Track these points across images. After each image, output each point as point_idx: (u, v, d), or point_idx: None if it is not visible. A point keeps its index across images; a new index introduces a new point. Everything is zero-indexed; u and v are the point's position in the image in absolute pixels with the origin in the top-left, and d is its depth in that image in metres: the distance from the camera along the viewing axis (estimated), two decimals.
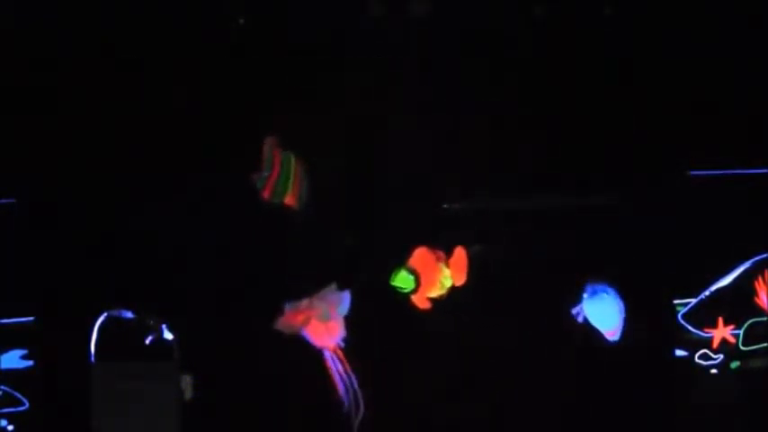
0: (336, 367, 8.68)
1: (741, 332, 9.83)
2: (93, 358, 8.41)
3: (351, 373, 8.67)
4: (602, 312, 9.00)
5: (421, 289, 8.68)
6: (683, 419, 9.39)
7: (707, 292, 9.85)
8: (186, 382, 8.61)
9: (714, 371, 9.78)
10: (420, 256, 8.73)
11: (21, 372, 8.97)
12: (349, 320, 8.68)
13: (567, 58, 9.44)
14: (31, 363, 8.97)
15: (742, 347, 9.82)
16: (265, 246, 9.10)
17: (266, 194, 8.49)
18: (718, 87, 9.52)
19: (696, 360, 9.79)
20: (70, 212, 8.99)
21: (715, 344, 9.81)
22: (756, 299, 9.88)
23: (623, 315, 8.99)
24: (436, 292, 8.78)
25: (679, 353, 9.77)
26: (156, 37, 8.98)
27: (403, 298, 8.70)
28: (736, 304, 9.86)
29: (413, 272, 8.64)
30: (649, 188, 9.59)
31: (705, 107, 9.52)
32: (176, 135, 9.03)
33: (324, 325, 8.59)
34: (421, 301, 8.76)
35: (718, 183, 9.76)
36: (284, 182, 8.60)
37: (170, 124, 9.03)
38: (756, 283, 9.88)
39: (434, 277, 8.75)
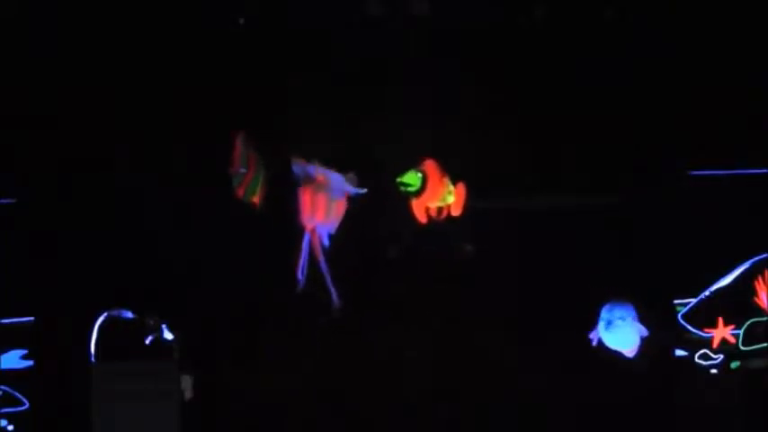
0: (306, 250, 8.72)
1: (741, 332, 9.84)
2: (93, 358, 8.40)
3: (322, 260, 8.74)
4: (621, 338, 9.11)
5: (425, 193, 8.81)
6: (683, 419, 9.39)
7: (707, 292, 9.85)
8: (186, 382, 8.62)
9: (714, 371, 9.79)
10: (431, 164, 8.88)
11: (21, 372, 8.97)
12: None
13: (568, 59, 9.44)
14: (31, 363, 8.97)
15: (742, 347, 9.82)
16: (265, 244, 9.11)
17: (240, 192, 8.59)
18: (718, 87, 9.52)
19: (696, 360, 9.79)
20: (70, 212, 8.98)
21: (715, 344, 9.82)
22: (756, 299, 9.88)
23: (643, 334, 9.09)
24: (436, 203, 8.89)
25: (679, 353, 9.78)
26: (159, 34, 8.98)
27: (404, 200, 8.81)
28: (736, 304, 9.86)
29: (422, 173, 8.76)
30: (649, 188, 9.60)
31: (705, 107, 9.52)
32: (176, 135, 9.03)
33: (323, 201, 8.68)
34: (420, 210, 8.88)
35: (718, 183, 9.76)
36: (255, 181, 8.66)
37: (169, 124, 9.03)
38: (756, 283, 9.88)
39: (440, 187, 8.88)
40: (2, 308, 8.89)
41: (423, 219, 8.92)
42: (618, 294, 9.16)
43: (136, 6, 8.95)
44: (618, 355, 9.15)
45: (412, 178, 8.81)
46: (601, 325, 9.10)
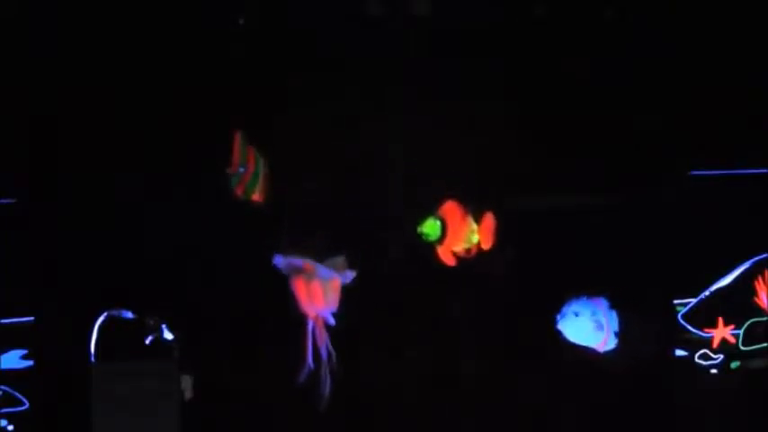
0: (314, 337, 8.67)
1: (741, 332, 9.84)
2: (93, 358, 8.40)
3: (326, 347, 8.68)
4: (581, 331, 9.05)
5: (447, 239, 8.60)
6: (683, 419, 9.40)
7: (707, 292, 9.85)
8: (186, 382, 8.62)
9: (714, 371, 9.79)
10: (449, 207, 8.68)
11: (21, 372, 8.96)
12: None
13: (568, 58, 9.44)
14: (31, 363, 8.96)
15: (742, 347, 9.82)
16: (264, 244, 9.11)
17: (239, 191, 8.59)
18: (718, 87, 9.52)
19: (696, 360, 9.79)
20: (70, 212, 8.98)
21: (715, 344, 9.82)
22: (756, 299, 9.89)
23: (610, 327, 9.02)
24: (462, 246, 8.74)
25: (679, 353, 9.78)
26: (159, 34, 8.99)
27: (428, 249, 8.64)
28: (736, 304, 9.86)
29: (441, 220, 8.64)
30: (649, 188, 9.60)
31: (705, 107, 9.52)
32: (176, 135, 9.03)
33: (318, 288, 8.62)
34: (446, 255, 8.67)
35: (718, 183, 9.76)
36: (254, 179, 8.67)
37: (169, 124, 9.03)
38: (756, 283, 9.89)
39: (462, 229, 8.67)
40: (2, 308, 8.88)
41: (451, 263, 8.72)
42: (618, 294, 9.17)
43: (136, 6, 8.95)
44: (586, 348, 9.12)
45: (431, 227, 8.59)
46: (559, 318, 9.09)
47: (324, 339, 8.47)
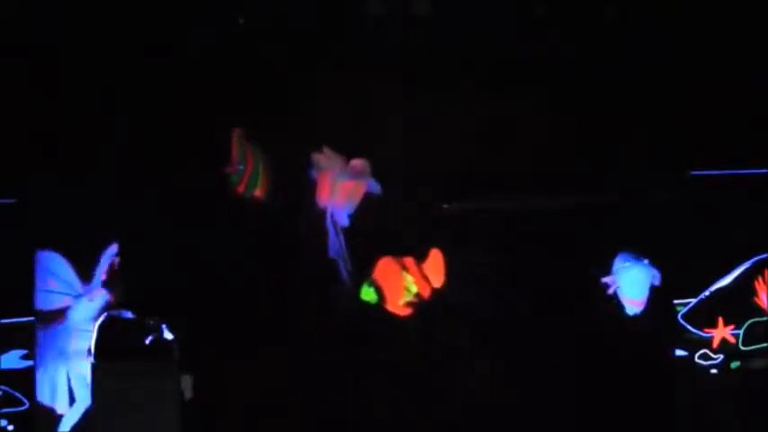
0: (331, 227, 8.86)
1: (741, 332, 9.84)
2: (93, 358, 8.39)
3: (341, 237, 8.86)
4: (634, 281, 9.35)
5: (387, 299, 9.02)
6: (683, 419, 9.40)
7: (707, 292, 9.85)
8: (186, 382, 8.61)
9: (714, 371, 9.79)
10: (382, 266, 9.05)
11: (21, 372, 8.96)
12: None
13: (568, 59, 9.44)
14: (31, 363, 8.96)
15: (742, 347, 9.82)
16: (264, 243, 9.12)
17: (240, 189, 8.62)
18: (718, 87, 9.52)
19: (696, 360, 9.79)
20: (70, 212, 8.98)
21: (715, 344, 9.82)
22: (756, 299, 9.89)
23: (654, 286, 9.39)
24: (404, 299, 8.96)
25: (679, 353, 9.78)
26: (159, 34, 8.99)
27: (377, 310, 9.00)
28: (736, 304, 9.87)
29: (374, 285, 8.92)
30: (649, 188, 9.60)
31: (705, 107, 9.53)
32: (176, 135, 9.03)
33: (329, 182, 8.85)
34: (396, 309, 9.08)
35: (718, 183, 9.76)
36: (255, 175, 8.69)
37: (169, 124, 9.03)
38: (756, 283, 9.89)
39: (397, 286, 9.06)
40: (2, 308, 8.88)
41: (405, 312, 9.10)
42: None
43: (135, 6, 8.95)
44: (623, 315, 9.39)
45: (368, 295, 9.05)
46: (619, 265, 9.43)
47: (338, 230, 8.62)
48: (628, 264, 9.48)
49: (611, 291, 9.45)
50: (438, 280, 9.18)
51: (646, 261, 9.47)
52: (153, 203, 8.95)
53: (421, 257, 9.23)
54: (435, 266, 9.17)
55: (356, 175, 9.01)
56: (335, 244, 8.92)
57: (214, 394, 8.91)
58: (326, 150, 9.07)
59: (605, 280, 9.43)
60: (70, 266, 8.95)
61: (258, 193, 8.76)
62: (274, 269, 9.09)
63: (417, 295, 9.10)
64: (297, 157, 9.14)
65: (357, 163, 9.02)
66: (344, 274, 9.01)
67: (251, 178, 8.74)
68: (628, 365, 9.38)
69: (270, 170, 8.93)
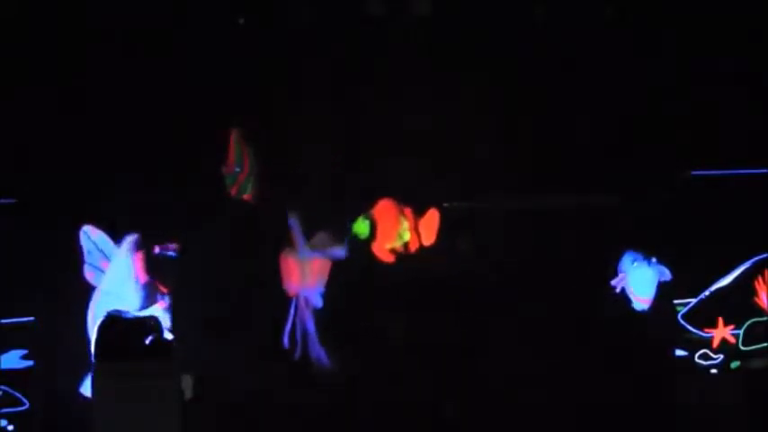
0: (294, 312, 8.79)
1: (741, 332, 9.84)
2: (93, 358, 8.39)
3: (306, 323, 8.79)
4: (643, 280, 9.38)
5: (377, 238, 8.98)
6: (683, 419, 9.40)
7: (707, 292, 9.86)
8: (186, 381, 8.62)
9: (714, 371, 9.79)
10: (383, 206, 9.04)
11: (21, 372, 8.96)
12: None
13: (568, 59, 9.44)
14: (31, 363, 8.96)
15: (742, 347, 9.83)
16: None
17: (234, 191, 8.64)
18: (718, 87, 9.52)
19: (696, 360, 9.79)
20: (70, 212, 8.98)
21: (715, 344, 9.82)
22: (756, 299, 9.89)
23: (662, 282, 9.43)
24: (393, 244, 9.00)
25: (679, 353, 9.78)
26: (159, 34, 8.99)
27: (362, 247, 8.97)
28: (736, 304, 9.87)
29: (370, 219, 8.91)
30: (649, 188, 9.60)
31: (705, 107, 9.53)
32: (176, 135, 9.02)
33: (298, 265, 8.77)
34: (380, 252, 9.05)
35: (718, 183, 9.77)
36: (249, 179, 8.71)
37: (169, 124, 9.03)
38: (756, 283, 9.89)
39: (392, 229, 9.04)
40: (2, 308, 8.88)
41: (388, 259, 9.10)
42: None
43: (135, 5, 8.95)
44: (631, 309, 9.46)
45: (360, 227, 9.03)
46: (629, 263, 9.50)
47: (305, 318, 8.61)
48: (636, 263, 9.47)
49: (618, 289, 9.48)
50: (429, 238, 9.18)
51: (654, 259, 9.47)
52: (152, 202, 8.96)
53: (419, 214, 9.23)
54: (430, 225, 9.19)
55: (321, 249, 8.94)
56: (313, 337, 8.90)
57: (214, 394, 8.92)
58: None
59: (613, 281, 9.46)
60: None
61: (247, 196, 8.77)
62: (275, 268, 9.10)
63: (406, 246, 9.10)
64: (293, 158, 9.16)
65: (320, 236, 8.96)
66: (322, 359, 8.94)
67: (245, 181, 8.75)
68: (629, 365, 9.38)
69: (262, 173, 8.91)
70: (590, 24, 9.51)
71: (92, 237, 8.91)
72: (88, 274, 8.93)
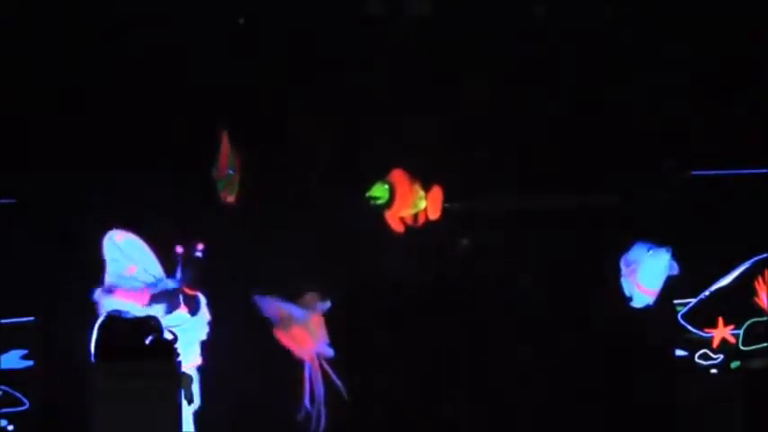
0: (311, 377, 8.85)
1: (741, 332, 9.84)
2: (93, 358, 8.39)
3: (323, 383, 8.84)
4: (653, 270, 9.35)
5: (395, 204, 8.99)
6: (683, 419, 9.40)
7: (707, 292, 9.85)
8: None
9: (714, 371, 9.79)
10: (398, 174, 9.05)
11: (21, 372, 8.96)
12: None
13: (568, 59, 9.44)
14: (31, 363, 8.96)
15: (742, 347, 9.82)
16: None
17: (223, 195, 8.64)
18: (719, 87, 9.52)
19: (696, 360, 9.79)
20: (70, 212, 8.97)
21: (715, 344, 9.82)
22: (756, 299, 9.89)
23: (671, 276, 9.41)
24: (409, 212, 9.02)
25: (679, 353, 9.78)
26: (159, 34, 8.98)
27: (377, 213, 8.95)
28: (736, 304, 9.87)
29: (390, 184, 8.87)
30: (649, 188, 9.60)
31: (705, 107, 9.53)
32: (176, 135, 9.02)
33: (301, 330, 8.77)
34: (394, 220, 9.04)
35: (718, 183, 9.77)
36: (236, 182, 8.72)
37: (169, 124, 9.02)
38: (756, 283, 9.89)
39: (409, 195, 9.05)
40: (2, 308, 8.88)
41: (399, 228, 9.07)
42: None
43: (134, 5, 8.95)
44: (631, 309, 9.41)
45: (379, 191, 8.97)
46: (645, 252, 9.46)
47: (319, 380, 8.66)
48: (651, 251, 9.43)
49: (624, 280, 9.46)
50: (434, 213, 9.21)
51: (667, 250, 9.43)
52: (152, 202, 8.96)
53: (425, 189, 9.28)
54: (435, 201, 9.21)
55: (312, 307, 8.93)
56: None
57: (216, 394, 8.94)
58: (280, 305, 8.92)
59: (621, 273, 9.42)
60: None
61: (231, 199, 8.78)
62: (275, 268, 9.09)
63: (416, 216, 9.10)
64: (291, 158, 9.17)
65: (308, 297, 8.95)
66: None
67: (233, 185, 8.75)
68: (629, 365, 9.38)
69: (246, 178, 8.91)
70: (590, 24, 9.51)
71: (117, 242, 8.82)
72: (110, 284, 8.87)
